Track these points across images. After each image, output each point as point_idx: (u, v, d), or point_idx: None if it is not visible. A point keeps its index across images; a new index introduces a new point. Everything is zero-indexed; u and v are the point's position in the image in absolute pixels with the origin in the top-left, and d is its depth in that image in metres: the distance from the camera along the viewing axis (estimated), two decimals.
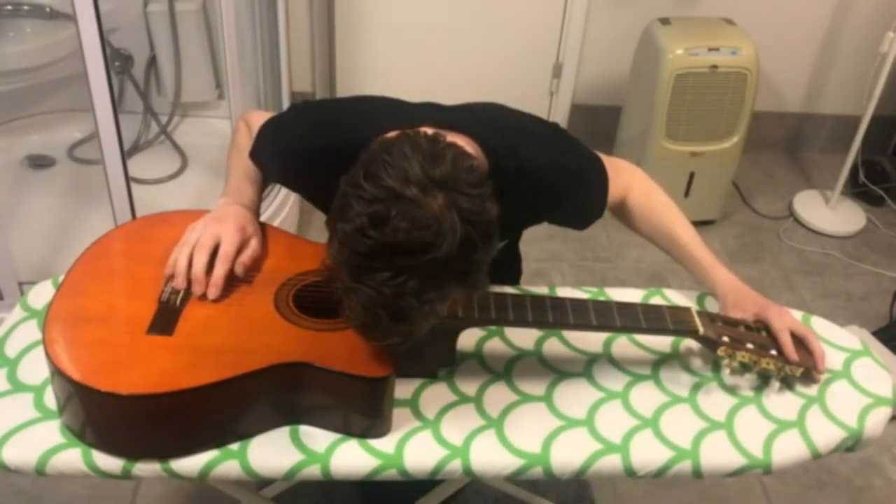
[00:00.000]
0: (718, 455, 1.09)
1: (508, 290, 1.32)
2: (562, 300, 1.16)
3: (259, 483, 1.57)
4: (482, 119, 1.19)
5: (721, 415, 1.15)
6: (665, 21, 2.56)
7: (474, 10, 2.83)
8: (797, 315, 1.27)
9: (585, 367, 1.21)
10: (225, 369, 1.00)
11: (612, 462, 1.08)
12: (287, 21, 2.58)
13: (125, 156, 1.83)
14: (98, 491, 1.81)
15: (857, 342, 1.28)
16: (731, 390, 1.19)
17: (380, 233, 0.87)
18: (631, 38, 2.66)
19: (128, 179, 1.85)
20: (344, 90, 2.96)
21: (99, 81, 1.69)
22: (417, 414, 1.11)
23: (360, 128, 1.11)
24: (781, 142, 3.20)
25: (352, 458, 1.05)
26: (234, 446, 1.05)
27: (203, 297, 1.12)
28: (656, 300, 1.33)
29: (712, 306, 1.32)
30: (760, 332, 1.18)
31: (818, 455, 1.12)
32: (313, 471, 1.04)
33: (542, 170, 1.17)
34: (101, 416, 1.02)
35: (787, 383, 1.19)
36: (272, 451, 1.05)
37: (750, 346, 1.16)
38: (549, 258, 2.58)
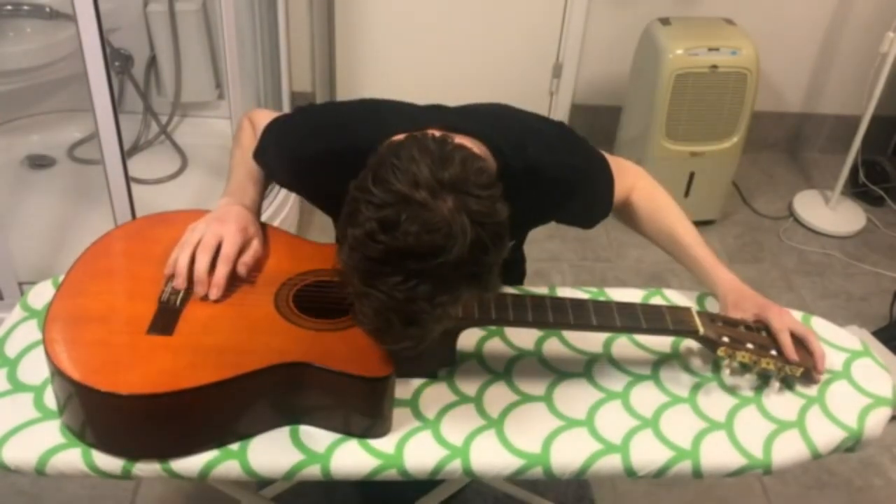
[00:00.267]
0: (718, 455, 1.09)
1: (508, 290, 1.32)
2: (562, 300, 1.16)
3: (259, 483, 1.57)
4: (488, 120, 1.19)
5: (721, 415, 1.15)
6: (665, 21, 2.56)
7: (474, 10, 2.83)
8: (797, 315, 1.27)
9: (585, 367, 1.21)
10: (225, 369, 1.00)
11: (612, 462, 1.08)
12: (287, 21, 2.58)
13: (125, 156, 1.83)
14: (98, 491, 1.81)
15: (857, 342, 1.28)
16: (731, 390, 1.19)
17: (390, 237, 0.87)
18: (631, 38, 2.66)
19: (128, 179, 1.85)
20: (344, 90, 2.97)
21: (99, 81, 1.69)
22: (417, 414, 1.11)
23: (365, 132, 1.11)
24: (781, 142, 3.20)
25: (352, 458, 1.05)
26: (234, 446, 1.05)
27: (205, 297, 1.12)
28: (656, 300, 1.33)
29: (712, 306, 1.32)
30: (760, 333, 1.18)
31: (818, 455, 1.12)
32: (313, 471, 1.04)
33: (549, 169, 1.17)
34: (101, 416, 1.02)
35: (787, 383, 1.19)
36: (272, 451, 1.05)
37: (750, 346, 1.16)
38: (549, 258, 2.58)
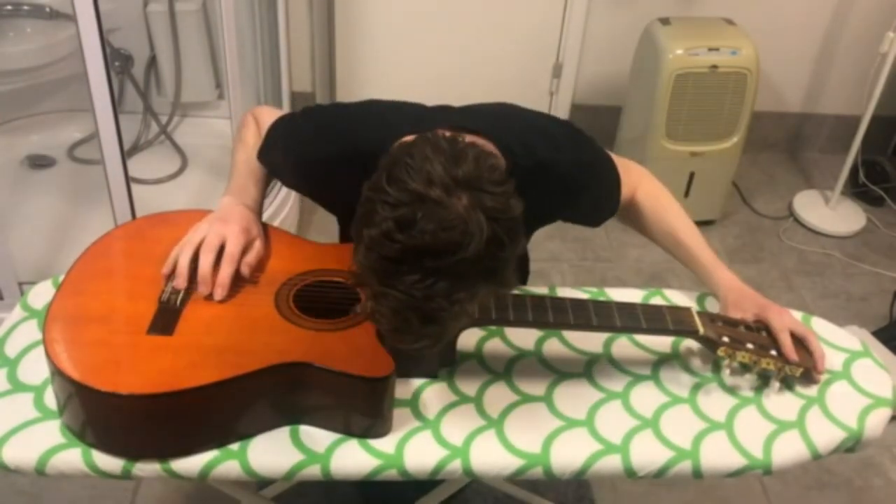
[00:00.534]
0: (718, 455, 1.09)
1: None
2: (562, 300, 1.16)
3: (259, 483, 1.57)
4: (495, 119, 1.19)
5: (721, 415, 1.15)
6: (665, 21, 2.56)
7: (474, 10, 2.83)
8: (797, 315, 1.27)
9: (585, 367, 1.21)
10: (225, 369, 1.00)
11: (612, 462, 1.08)
12: (287, 21, 2.58)
13: (125, 156, 1.83)
14: (98, 491, 1.81)
15: (856, 343, 1.28)
16: (732, 391, 1.19)
17: (407, 236, 0.87)
18: (631, 38, 2.66)
19: (128, 179, 1.84)
20: (344, 90, 2.97)
21: (99, 81, 1.69)
22: (417, 414, 1.11)
23: (371, 133, 1.11)
24: (781, 142, 3.20)
25: (352, 458, 1.05)
26: (234, 446, 1.05)
27: (209, 297, 1.12)
28: (656, 300, 1.33)
29: (712, 306, 1.32)
30: (760, 333, 1.19)
31: (818, 455, 1.12)
32: (313, 471, 1.04)
33: (558, 167, 1.17)
34: (101, 416, 1.02)
35: (787, 384, 1.19)
36: (272, 451, 1.05)
37: (750, 346, 1.16)
38: (549, 258, 2.58)
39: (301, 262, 1.21)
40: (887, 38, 2.49)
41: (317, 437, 1.07)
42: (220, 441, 1.04)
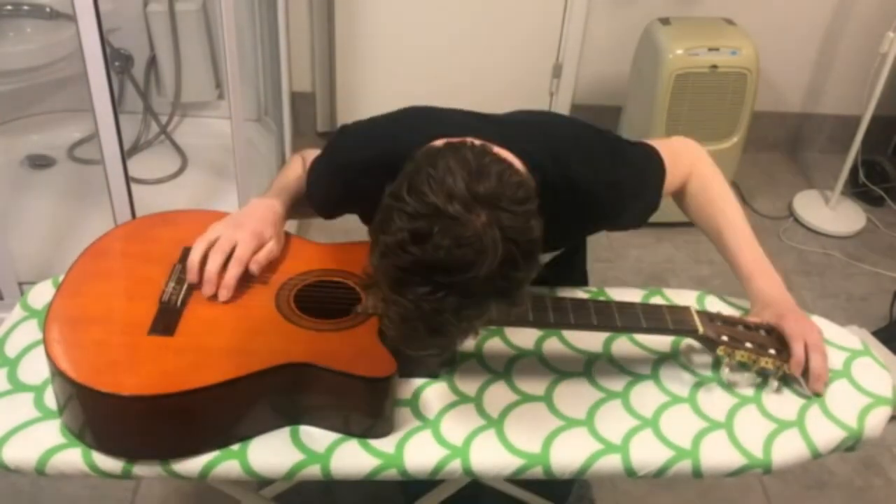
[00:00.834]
0: (718, 455, 1.09)
1: None
2: (562, 300, 1.16)
3: (259, 483, 1.57)
4: (529, 130, 1.17)
5: (721, 414, 1.15)
6: (665, 21, 2.56)
7: (474, 11, 2.83)
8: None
9: (585, 366, 1.21)
10: (227, 370, 1.00)
11: (612, 462, 1.08)
12: (287, 21, 2.58)
13: (125, 156, 1.83)
14: (98, 491, 1.81)
15: (857, 342, 1.28)
16: (731, 390, 1.19)
17: (420, 249, 0.87)
18: (631, 38, 2.66)
19: (128, 179, 1.85)
20: (344, 90, 2.97)
21: (99, 81, 1.69)
22: (417, 414, 1.11)
23: (412, 137, 1.08)
24: (781, 142, 3.20)
25: (352, 457, 1.05)
26: (235, 446, 1.05)
27: (213, 297, 1.12)
28: (656, 300, 1.33)
29: (712, 306, 1.32)
30: (759, 332, 1.18)
31: (818, 455, 1.12)
32: (313, 471, 1.04)
33: (593, 186, 1.14)
34: (101, 417, 1.02)
35: (786, 382, 1.19)
36: (272, 451, 1.05)
37: (749, 345, 1.16)
38: None
39: (302, 262, 1.21)
40: (887, 38, 2.49)
41: (317, 436, 1.07)
42: (220, 442, 1.04)
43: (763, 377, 1.19)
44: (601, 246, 2.65)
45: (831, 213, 2.85)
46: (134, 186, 1.88)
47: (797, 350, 1.15)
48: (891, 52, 2.49)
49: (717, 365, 1.21)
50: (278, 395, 1.05)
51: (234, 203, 2.11)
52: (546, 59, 2.95)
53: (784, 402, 1.17)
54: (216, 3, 1.95)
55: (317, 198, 1.26)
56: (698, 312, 1.19)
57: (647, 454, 1.09)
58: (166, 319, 1.08)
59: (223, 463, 1.03)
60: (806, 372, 1.17)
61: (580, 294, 1.32)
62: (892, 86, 2.69)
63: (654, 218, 1.28)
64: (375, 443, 1.07)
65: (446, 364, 1.18)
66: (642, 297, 1.33)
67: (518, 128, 1.18)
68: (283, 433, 1.07)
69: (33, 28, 2.52)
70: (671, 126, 2.51)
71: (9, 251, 1.97)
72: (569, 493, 1.82)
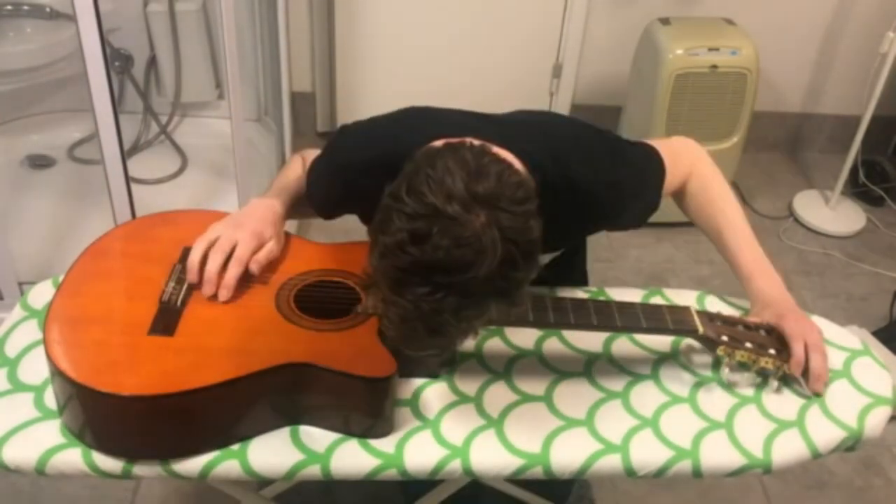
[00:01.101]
0: (718, 455, 1.09)
1: None
2: (562, 300, 1.16)
3: (259, 483, 1.57)
4: (530, 130, 1.17)
5: (721, 414, 1.15)
6: (665, 21, 2.56)
7: (474, 11, 2.83)
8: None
9: (585, 366, 1.21)
10: (227, 370, 1.00)
11: (612, 462, 1.08)
12: (287, 21, 2.58)
13: (125, 156, 1.83)
14: (98, 491, 1.81)
15: (857, 342, 1.28)
16: (731, 390, 1.19)
17: (420, 250, 0.87)
18: (631, 38, 2.66)
19: (128, 179, 1.85)
20: (344, 90, 2.97)
21: (99, 81, 1.69)
22: (417, 414, 1.11)
23: (412, 138, 1.09)
24: (781, 142, 3.20)
25: (352, 457, 1.05)
26: (235, 446, 1.05)
27: (212, 297, 1.12)
28: (656, 300, 1.33)
29: (712, 306, 1.32)
30: (759, 332, 1.18)
31: (818, 455, 1.12)
32: (313, 471, 1.04)
33: (593, 186, 1.14)
34: (101, 417, 1.02)
35: (787, 382, 1.19)
36: (272, 451, 1.05)
37: (748, 345, 1.16)
38: None
39: (302, 262, 1.21)
40: (887, 38, 2.49)
41: (317, 436, 1.07)
42: (220, 442, 1.04)
43: (763, 377, 1.19)
44: (601, 246, 2.65)
45: (831, 213, 2.85)
46: (134, 186, 1.88)
47: (797, 350, 1.15)
48: (891, 52, 2.49)
49: (717, 365, 1.22)
50: (278, 395, 1.05)
51: (234, 203, 2.11)
52: (546, 59, 2.95)
53: (784, 402, 1.17)
54: (216, 3, 1.95)
55: (317, 198, 1.25)
56: (698, 312, 1.19)
57: (647, 454, 1.09)
58: (166, 319, 1.08)
59: (223, 463, 1.03)
60: (806, 372, 1.17)
61: (580, 294, 1.32)
62: (892, 86, 2.69)
63: (654, 218, 1.28)
64: (375, 443, 1.07)
65: (446, 364, 1.18)
66: (642, 297, 1.33)
67: (518, 128, 1.17)
68: (283, 433, 1.07)
69: (33, 28, 2.52)
70: (671, 126, 2.51)
71: (9, 251, 1.97)
72: (569, 493, 1.82)
